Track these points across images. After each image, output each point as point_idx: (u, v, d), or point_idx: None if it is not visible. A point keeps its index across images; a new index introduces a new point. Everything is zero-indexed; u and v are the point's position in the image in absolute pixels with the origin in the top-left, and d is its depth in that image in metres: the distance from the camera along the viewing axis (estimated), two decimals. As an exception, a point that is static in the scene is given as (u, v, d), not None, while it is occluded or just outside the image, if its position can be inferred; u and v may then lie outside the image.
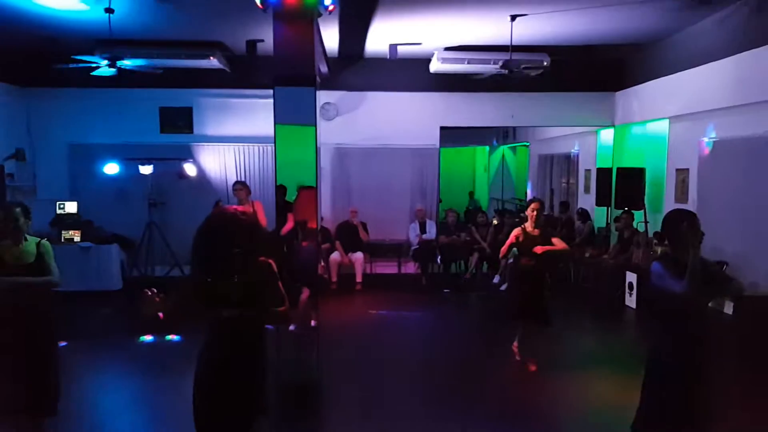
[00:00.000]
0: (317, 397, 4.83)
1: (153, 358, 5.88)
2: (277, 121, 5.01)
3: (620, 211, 8.63)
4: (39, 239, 3.81)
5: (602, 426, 4.37)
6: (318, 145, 5.29)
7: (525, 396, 4.97)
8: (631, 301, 7.69)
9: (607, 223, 9.30)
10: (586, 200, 10.32)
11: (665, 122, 8.32)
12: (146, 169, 8.71)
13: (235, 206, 2.88)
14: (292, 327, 6.05)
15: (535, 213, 5.42)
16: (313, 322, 6.14)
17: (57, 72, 6.88)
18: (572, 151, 11.42)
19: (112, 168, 8.88)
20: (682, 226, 3.19)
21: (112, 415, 4.70)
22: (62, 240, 8.20)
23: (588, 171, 10.58)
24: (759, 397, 4.67)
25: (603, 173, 9.27)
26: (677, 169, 8.02)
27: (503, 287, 8.24)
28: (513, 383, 5.28)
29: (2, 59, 8.26)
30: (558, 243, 5.47)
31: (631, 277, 7.75)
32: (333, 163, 9.60)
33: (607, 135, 10.11)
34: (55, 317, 3.90)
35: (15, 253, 3.67)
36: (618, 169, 8.92)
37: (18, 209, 3.73)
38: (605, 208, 9.29)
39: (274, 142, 5.05)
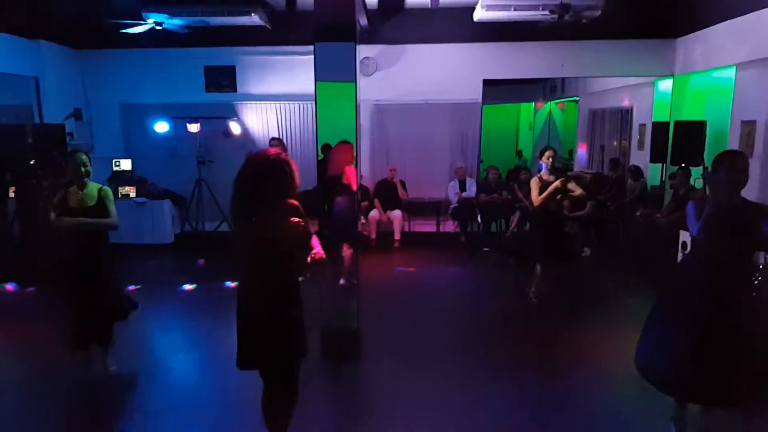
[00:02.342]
0: (357, 343, 5.01)
1: (203, 304, 6.25)
2: (318, 78, 4.99)
3: (676, 168, 8.26)
4: (100, 185, 4.17)
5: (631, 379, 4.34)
6: (357, 102, 5.26)
7: (556, 349, 5.02)
8: (683, 260, 7.43)
9: (662, 181, 8.92)
10: (640, 158, 9.90)
11: (731, 70, 7.79)
12: (194, 128, 8.94)
13: (268, 149, 3.04)
14: (342, 281, 6.25)
15: (550, 160, 5.79)
16: (342, 281, 6.31)
17: (108, 33, 7.07)
18: (626, 104, 10.91)
19: (161, 126, 9.20)
20: (719, 168, 3.07)
21: (168, 352, 5.07)
22: (119, 195, 8.61)
23: (643, 126, 10.11)
24: None
25: (659, 127, 8.84)
26: (743, 122, 7.52)
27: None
28: (549, 337, 5.32)
29: (58, 23, 8.56)
30: (575, 188, 5.84)
31: (684, 237, 7.46)
32: (372, 120, 9.53)
33: (665, 86, 9.59)
34: (113, 257, 4.30)
35: (79, 197, 4.04)
36: (676, 122, 8.46)
37: (84, 156, 4.10)
38: (660, 165, 8.90)
39: (315, 100, 5.05)
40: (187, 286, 6.84)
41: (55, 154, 7.36)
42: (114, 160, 9.06)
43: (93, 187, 4.13)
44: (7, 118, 8.23)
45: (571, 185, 5.80)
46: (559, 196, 5.82)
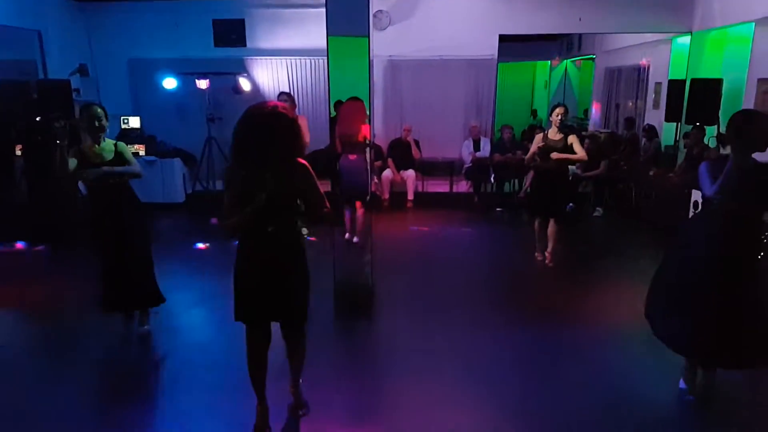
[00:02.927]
0: (370, 300, 5.08)
1: (217, 261, 6.28)
2: (330, 33, 4.86)
3: (690, 127, 8.11)
4: (115, 141, 4.13)
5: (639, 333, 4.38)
6: (371, 58, 5.13)
7: (568, 306, 5.07)
8: (695, 220, 7.37)
9: (676, 141, 8.78)
10: (655, 117, 9.72)
11: (750, 27, 7.56)
12: (203, 84, 8.79)
13: (274, 102, 2.86)
14: (356, 239, 6.25)
15: (559, 118, 5.65)
16: (355, 239, 6.31)
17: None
18: (643, 62, 10.64)
19: (170, 83, 9.04)
20: (738, 127, 3.04)
21: (183, 307, 5.14)
22: (128, 154, 8.54)
23: (659, 84, 9.89)
24: None
25: (675, 85, 8.64)
26: (759, 80, 7.34)
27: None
28: (560, 293, 5.39)
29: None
30: (579, 150, 5.70)
31: (696, 196, 7.38)
32: (385, 76, 9.34)
33: (683, 43, 9.33)
34: (143, 212, 4.31)
35: (96, 152, 3.99)
36: (692, 80, 8.28)
37: (99, 109, 4.01)
38: (675, 124, 8.74)
39: (327, 55, 4.93)
40: (200, 245, 6.87)
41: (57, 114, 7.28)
42: (122, 118, 8.95)
43: (109, 142, 4.09)
44: (10, 74, 8.09)
45: (576, 146, 5.67)
46: (554, 156, 5.69)
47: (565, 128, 5.80)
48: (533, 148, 5.85)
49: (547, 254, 6.09)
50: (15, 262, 6.51)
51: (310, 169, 2.88)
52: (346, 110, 5.59)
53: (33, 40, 8.13)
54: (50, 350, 4.32)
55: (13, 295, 5.43)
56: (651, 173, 8.51)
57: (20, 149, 7.59)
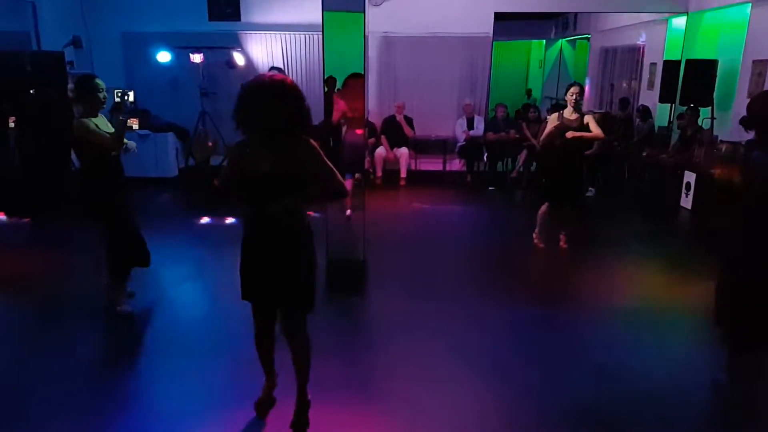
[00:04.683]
0: (363, 276, 5.13)
1: (211, 236, 6.35)
2: (325, 8, 4.84)
3: (684, 108, 8.15)
4: (110, 116, 4.14)
5: (635, 313, 4.48)
6: (366, 34, 5.12)
7: (558, 285, 5.13)
8: (687, 201, 7.46)
9: (669, 122, 8.83)
10: (649, 97, 9.74)
11: (746, 8, 7.56)
12: (196, 58, 8.74)
13: (273, 74, 2.75)
14: (348, 212, 6.27)
15: (574, 98, 5.39)
16: (348, 212, 6.32)
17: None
18: (638, 42, 10.63)
19: (164, 56, 8.98)
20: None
21: (175, 282, 5.17)
22: (121, 128, 8.50)
23: (654, 65, 9.90)
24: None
25: (670, 66, 8.66)
26: (754, 61, 7.36)
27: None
28: (550, 272, 5.47)
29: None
30: (594, 129, 5.42)
31: (689, 177, 7.47)
32: (380, 53, 9.31)
33: (678, 24, 9.31)
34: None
35: (101, 124, 3.94)
36: (687, 61, 8.30)
37: (98, 80, 3.94)
38: (669, 105, 8.77)
39: (322, 31, 4.92)
40: (195, 219, 6.91)
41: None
42: (116, 91, 8.87)
43: (103, 117, 4.05)
44: (4, 45, 8.01)
45: (592, 125, 5.42)
46: (569, 134, 5.44)
47: (578, 108, 5.50)
48: (548, 128, 5.58)
49: (561, 237, 5.91)
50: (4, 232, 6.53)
51: (316, 145, 2.73)
52: (354, 86, 5.54)
53: (27, 10, 8.04)
54: (36, 323, 4.33)
55: None
56: (644, 154, 8.58)
57: (13, 121, 7.55)
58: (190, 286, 5.18)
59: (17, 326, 4.37)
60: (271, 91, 2.58)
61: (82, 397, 3.33)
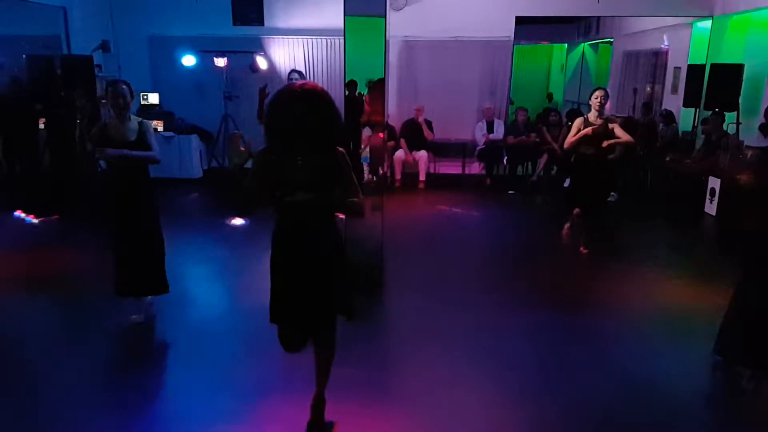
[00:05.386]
0: (381, 278, 5.13)
1: (234, 237, 6.45)
2: (347, 12, 4.90)
3: (709, 113, 8.04)
4: (141, 119, 4.02)
5: (656, 319, 4.45)
6: (387, 38, 5.17)
7: (579, 290, 5.08)
8: (711, 207, 7.36)
9: (694, 127, 8.71)
10: (673, 102, 9.62)
11: (773, 12, 7.44)
12: (221, 62, 8.90)
13: (306, 81, 2.68)
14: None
15: (599, 101, 5.30)
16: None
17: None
18: (662, 46, 10.51)
19: (189, 60, 9.16)
20: None
21: (199, 282, 5.28)
22: (147, 130, 8.68)
23: (677, 69, 9.77)
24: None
25: (694, 70, 8.54)
26: (781, 66, 7.26)
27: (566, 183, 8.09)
28: (570, 276, 5.40)
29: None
30: (622, 134, 5.30)
31: (714, 183, 7.37)
32: (400, 57, 9.35)
33: (703, 27, 9.19)
34: (155, 196, 4.20)
35: (120, 130, 3.90)
36: (712, 65, 8.18)
37: (125, 86, 3.90)
38: (693, 109, 8.66)
39: (344, 35, 4.98)
40: (222, 220, 7.01)
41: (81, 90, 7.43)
42: (142, 94, 9.11)
43: (134, 120, 3.97)
44: (36, 49, 8.26)
45: (618, 130, 5.32)
46: (597, 141, 5.31)
47: (603, 113, 5.40)
48: (573, 132, 5.45)
49: (581, 242, 5.83)
50: (29, 231, 6.68)
51: (347, 158, 2.65)
52: (379, 91, 5.59)
53: (58, 16, 8.29)
54: (60, 320, 4.46)
55: (23, 265, 5.56)
56: (668, 159, 8.47)
57: (43, 123, 7.78)
58: (215, 285, 5.28)
59: (42, 325, 4.44)
60: (312, 103, 2.46)
61: (110, 393, 3.42)
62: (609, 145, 5.32)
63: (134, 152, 3.89)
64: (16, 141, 7.76)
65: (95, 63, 8.33)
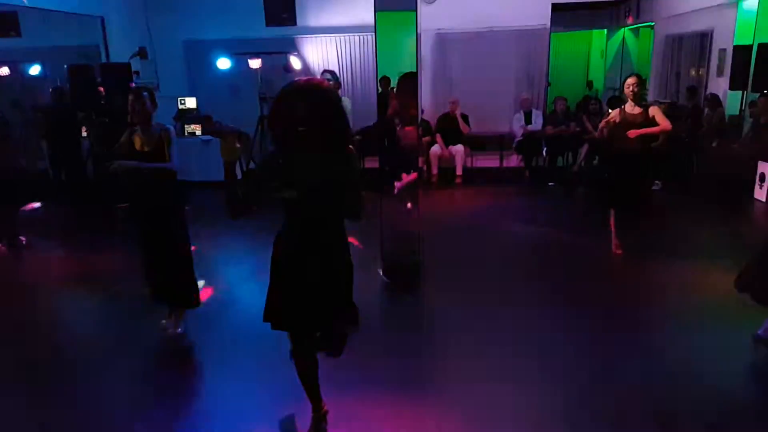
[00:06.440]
0: (419, 275, 5.09)
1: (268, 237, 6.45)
2: (378, 8, 4.87)
3: (757, 95, 7.68)
4: (163, 126, 3.95)
5: (700, 314, 4.28)
6: (418, 32, 5.11)
7: (623, 285, 4.94)
8: (761, 193, 7.05)
9: (741, 111, 8.34)
10: (718, 86, 9.23)
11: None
12: (255, 63, 8.98)
13: (311, 77, 2.56)
14: (409, 205, 6.21)
15: (631, 89, 5.02)
16: (409, 205, 6.26)
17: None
18: (706, 28, 10.09)
19: (224, 63, 9.29)
20: None
21: (239, 279, 5.32)
22: (185, 134, 8.85)
23: (723, 51, 9.36)
24: None
25: (741, 51, 8.18)
26: (835, 43, 6.87)
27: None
28: (612, 272, 5.26)
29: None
30: (661, 121, 5.01)
31: (763, 168, 7.05)
32: (433, 50, 9.26)
33: (749, 6, 8.78)
34: (181, 207, 4.12)
35: (142, 138, 3.88)
36: (759, 45, 7.81)
37: (146, 93, 3.90)
38: (740, 93, 8.29)
39: (375, 31, 4.95)
40: (257, 222, 7.06)
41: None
42: (179, 99, 9.28)
43: (157, 128, 3.89)
44: (76, 59, 8.50)
45: (659, 116, 5.02)
46: (632, 133, 5.01)
47: (639, 101, 5.13)
48: (606, 118, 5.30)
49: (615, 242, 5.50)
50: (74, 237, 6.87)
51: (356, 159, 2.58)
52: (408, 84, 5.52)
53: (96, 25, 8.53)
54: (108, 320, 4.62)
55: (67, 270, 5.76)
56: (713, 144, 8.14)
57: (86, 131, 8.02)
58: (251, 285, 5.32)
59: (84, 320, 4.62)
60: (311, 101, 2.37)
61: (148, 393, 3.51)
62: (648, 134, 5.08)
63: (146, 164, 3.80)
64: (61, 150, 8.03)
65: (133, 70, 8.53)
